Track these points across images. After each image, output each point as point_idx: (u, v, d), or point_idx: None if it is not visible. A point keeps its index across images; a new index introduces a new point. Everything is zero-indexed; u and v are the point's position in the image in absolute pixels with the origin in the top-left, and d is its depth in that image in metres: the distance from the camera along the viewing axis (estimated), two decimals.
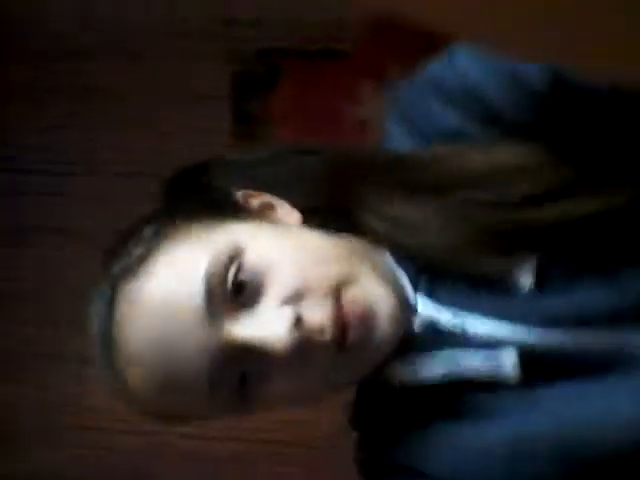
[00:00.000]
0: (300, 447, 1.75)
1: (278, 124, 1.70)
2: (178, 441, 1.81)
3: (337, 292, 0.57)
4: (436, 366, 0.61)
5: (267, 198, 0.64)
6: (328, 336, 0.56)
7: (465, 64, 0.60)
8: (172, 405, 0.60)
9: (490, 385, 0.60)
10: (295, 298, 0.57)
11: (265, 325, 0.56)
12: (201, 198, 0.64)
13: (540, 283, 0.59)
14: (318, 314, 0.56)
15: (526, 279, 0.59)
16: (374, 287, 0.59)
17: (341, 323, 0.56)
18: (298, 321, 0.56)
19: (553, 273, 0.59)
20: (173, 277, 0.57)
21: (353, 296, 0.57)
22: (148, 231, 0.61)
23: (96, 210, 1.79)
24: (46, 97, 1.89)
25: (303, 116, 1.68)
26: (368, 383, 0.66)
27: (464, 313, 0.60)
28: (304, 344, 0.56)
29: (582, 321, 0.59)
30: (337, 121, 1.62)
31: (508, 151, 0.60)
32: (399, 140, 0.64)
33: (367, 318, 0.57)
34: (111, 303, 0.58)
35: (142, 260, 0.58)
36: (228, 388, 0.57)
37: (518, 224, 0.59)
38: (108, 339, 0.58)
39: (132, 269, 0.58)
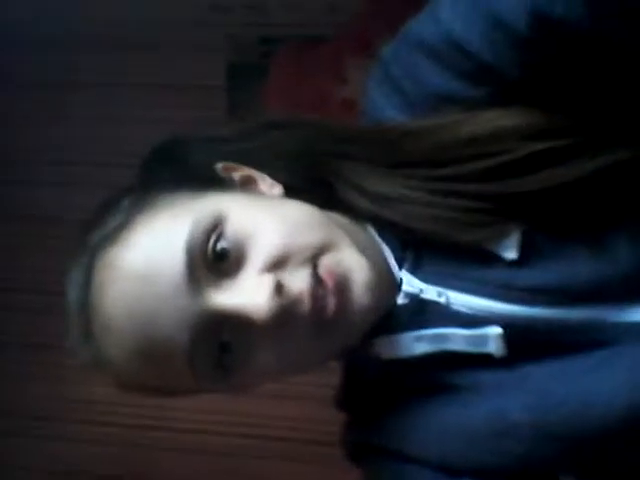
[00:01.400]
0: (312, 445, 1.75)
1: (269, 111, 1.70)
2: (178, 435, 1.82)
3: (315, 259, 0.57)
4: (421, 342, 0.60)
5: (248, 171, 0.63)
6: (307, 306, 0.55)
7: (448, 17, 0.57)
8: (152, 375, 0.58)
9: (476, 362, 0.59)
10: (276, 266, 0.56)
11: (246, 293, 0.55)
12: (181, 170, 0.63)
13: (525, 256, 0.58)
14: (298, 282, 0.56)
15: (510, 252, 0.58)
16: (351, 256, 0.57)
17: (319, 292, 0.55)
18: (279, 289, 0.55)
19: (538, 245, 0.58)
20: (153, 244, 0.56)
21: (329, 263, 0.56)
22: (126, 201, 0.60)
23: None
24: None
25: (292, 102, 1.67)
26: (355, 361, 0.65)
27: (449, 289, 0.59)
28: (284, 312, 0.55)
29: (566, 295, 0.58)
30: (325, 103, 1.61)
31: (497, 117, 0.58)
32: (382, 104, 0.63)
33: (342, 285, 0.56)
34: (89, 270, 0.57)
35: (121, 228, 0.57)
36: (209, 358, 0.56)
37: (506, 194, 0.58)
38: (85, 306, 0.57)
39: (111, 237, 0.57)
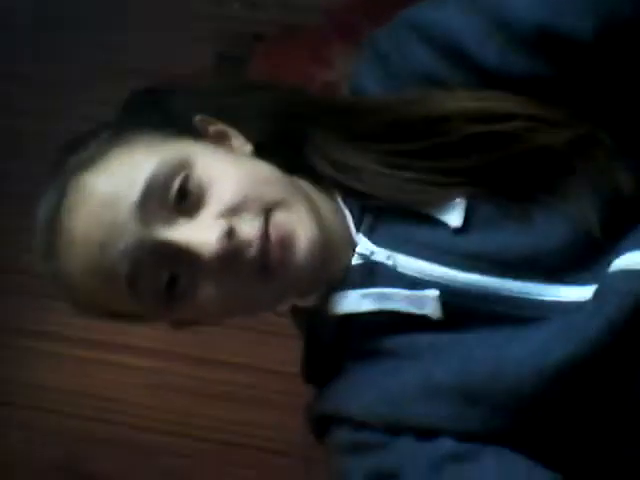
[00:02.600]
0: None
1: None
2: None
3: (267, 213, 0.61)
4: (366, 299, 0.64)
5: (222, 127, 0.68)
6: (254, 251, 0.60)
7: (451, 12, 0.63)
8: (100, 295, 0.62)
9: (417, 326, 0.63)
10: (231, 213, 0.60)
11: (198, 232, 0.60)
12: (162, 114, 0.67)
13: (468, 224, 0.62)
14: (248, 229, 0.60)
15: (455, 220, 0.62)
16: (300, 215, 0.62)
17: (265, 242, 0.60)
18: (229, 233, 0.59)
19: (480, 215, 0.63)
20: (119, 174, 0.60)
21: (278, 219, 0.61)
22: (107, 133, 0.64)
23: None
24: None
25: None
26: (313, 328, 0.69)
27: (398, 252, 0.64)
28: (231, 254, 0.59)
29: (500, 264, 0.61)
30: (308, 86, 1.62)
31: (449, 99, 0.63)
32: (364, 75, 0.68)
33: (286, 239, 0.61)
34: (62, 192, 0.61)
35: (96, 157, 0.62)
36: (154, 286, 0.60)
37: (453, 168, 0.62)
38: (53, 225, 0.61)
39: (85, 164, 0.62)
